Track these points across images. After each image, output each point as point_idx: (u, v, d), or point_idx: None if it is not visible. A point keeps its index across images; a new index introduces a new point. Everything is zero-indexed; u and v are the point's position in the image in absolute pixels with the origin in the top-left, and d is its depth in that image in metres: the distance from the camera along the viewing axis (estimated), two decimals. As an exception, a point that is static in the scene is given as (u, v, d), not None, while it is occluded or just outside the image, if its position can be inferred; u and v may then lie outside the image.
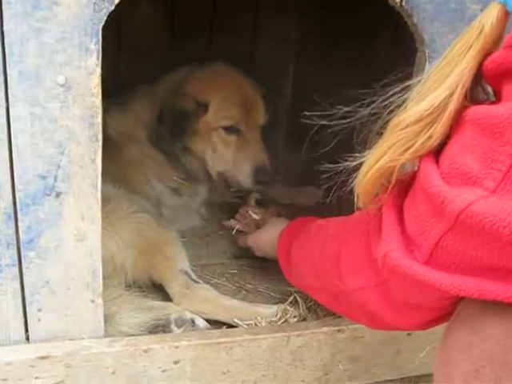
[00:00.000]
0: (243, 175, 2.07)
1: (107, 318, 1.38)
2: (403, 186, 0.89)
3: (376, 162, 0.86)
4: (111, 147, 2.07)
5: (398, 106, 0.84)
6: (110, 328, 1.40)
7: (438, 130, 0.78)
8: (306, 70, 2.55)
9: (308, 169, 2.56)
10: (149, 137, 2.17)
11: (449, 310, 0.85)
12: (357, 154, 0.90)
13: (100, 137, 1.18)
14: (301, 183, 2.71)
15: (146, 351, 1.32)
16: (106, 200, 1.57)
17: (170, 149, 2.15)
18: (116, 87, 2.25)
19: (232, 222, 2.10)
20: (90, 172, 1.21)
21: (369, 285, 1.01)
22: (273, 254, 1.51)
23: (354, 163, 0.90)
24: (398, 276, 0.82)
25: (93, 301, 1.32)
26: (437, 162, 0.79)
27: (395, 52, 1.57)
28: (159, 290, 1.67)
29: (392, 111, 0.85)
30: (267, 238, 1.61)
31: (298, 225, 1.45)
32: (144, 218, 1.73)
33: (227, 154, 2.11)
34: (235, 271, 1.89)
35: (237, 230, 2.05)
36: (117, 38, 2.55)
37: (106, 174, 1.65)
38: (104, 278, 1.36)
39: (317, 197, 2.58)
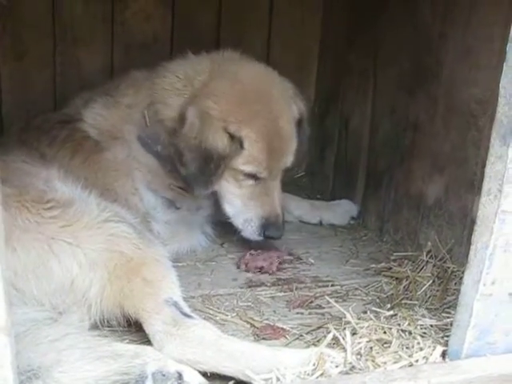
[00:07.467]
0: (250, 228, 1.77)
1: (39, 372, 1.00)
2: None
3: None
4: (89, 148, 1.78)
5: None
6: (41, 387, 1.05)
7: None
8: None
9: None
10: (139, 136, 1.77)
11: None
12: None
13: None
14: (332, 197, 2.28)
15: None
16: (68, 203, 1.41)
17: (166, 152, 1.73)
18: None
19: None
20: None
21: None
22: None
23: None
24: None
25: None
26: None
27: None
28: (139, 330, 1.32)
29: None
30: None
31: None
32: (119, 229, 1.39)
33: (238, 199, 1.76)
34: (249, 303, 1.57)
35: None
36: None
37: (79, 181, 1.50)
38: (55, 310, 1.16)
39: (351, 212, 2.17)
